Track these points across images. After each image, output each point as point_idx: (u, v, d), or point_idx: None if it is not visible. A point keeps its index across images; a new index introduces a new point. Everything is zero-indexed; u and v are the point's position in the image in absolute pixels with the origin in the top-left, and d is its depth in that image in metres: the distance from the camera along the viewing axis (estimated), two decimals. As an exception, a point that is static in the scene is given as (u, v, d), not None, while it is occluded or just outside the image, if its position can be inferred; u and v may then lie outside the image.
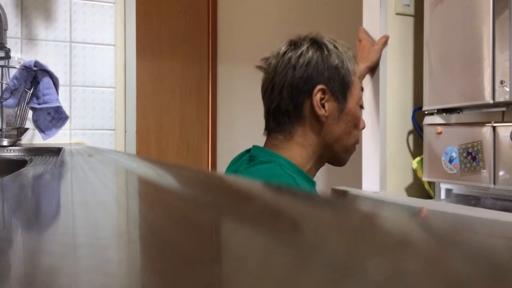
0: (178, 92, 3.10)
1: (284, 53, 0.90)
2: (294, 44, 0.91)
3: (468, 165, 1.46)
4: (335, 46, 0.91)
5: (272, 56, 0.92)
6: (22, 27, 1.60)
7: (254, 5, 3.20)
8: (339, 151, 0.93)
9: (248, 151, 0.94)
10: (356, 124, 0.94)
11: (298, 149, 0.90)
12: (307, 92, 0.88)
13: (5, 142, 1.38)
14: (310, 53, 0.89)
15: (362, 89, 0.96)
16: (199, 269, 0.14)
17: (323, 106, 0.88)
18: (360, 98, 0.94)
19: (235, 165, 0.94)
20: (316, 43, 0.90)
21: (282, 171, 0.82)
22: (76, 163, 0.65)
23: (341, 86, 0.90)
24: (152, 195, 0.34)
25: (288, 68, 0.89)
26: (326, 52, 0.89)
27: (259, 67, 0.95)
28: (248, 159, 0.90)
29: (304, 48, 0.89)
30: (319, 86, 0.87)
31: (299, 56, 0.89)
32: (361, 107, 0.95)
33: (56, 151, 1.08)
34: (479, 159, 1.43)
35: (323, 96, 0.88)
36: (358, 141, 0.97)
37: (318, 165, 0.94)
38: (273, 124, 0.92)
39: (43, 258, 0.16)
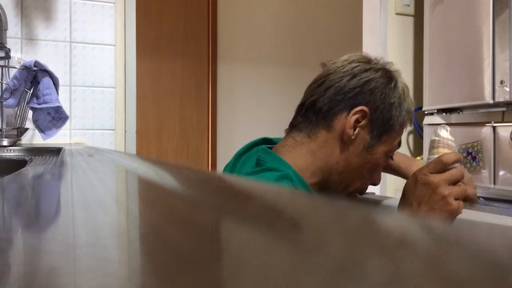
0: (178, 92, 3.10)
1: (353, 61, 0.85)
2: (367, 59, 0.86)
3: (468, 165, 1.46)
4: (403, 90, 0.85)
5: (340, 60, 0.87)
6: (22, 27, 1.60)
7: (254, 5, 3.20)
8: (340, 185, 0.85)
9: (255, 144, 0.88)
10: (373, 172, 0.85)
11: (307, 158, 0.83)
12: (349, 105, 0.81)
13: (5, 142, 1.38)
14: (377, 75, 0.83)
15: (399, 145, 0.88)
16: (199, 269, 0.14)
17: (355, 129, 0.81)
18: (392, 151, 0.87)
19: (239, 160, 0.87)
20: (389, 73, 0.85)
21: (291, 185, 0.77)
22: (76, 163, 0.65)
23: (383, 124, 0.82)
24: (152, 195, 0.34)
25: (347, 74, 0.83)
26: (392, 85, 0.83)
27: (323, 64, 0.88)
28: (255, 161, 0.83)
29: (375, 67, 0.84)
30: (364, 108, 0.81)
31: (365, 70, 0.83)
32: (390, 157, 0.88)
33: (56, 151, 1.08)
34: (479, 159, 1.43)
35: (360, 120, 0.81)
36: (362, 190, 0.89)
37: (318, 187, 0.86)
38: (300, 119, 0.85)
39: (43, 258, 0.16)
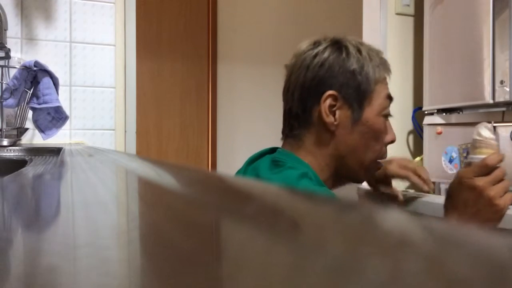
0: (178, 92, 3.10)
1: (302, 52, 0.84)
2: (313, 44, 0.84)
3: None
4: (358, 50, 0.83)
5: (294, 54, 0.86)
6: (22, 27, 1.60)
7: (254, 5, 3.20)
8: (353, 166, 0.85)
9: (266, 153, 0.89)
10: (377, 137, 0.84)
11: (309, 159, 0.83)
12: (317, 97, 0.81)
13: (5, 142, 1.38)
14: (326, 53, 0.82)
15: (390, 98, 0.86)
16: (199, 269, 0.14)
17: (334, 114, 0.81)
18: (384, 108, 0.85)
19: (251, 166, 0.88)
20: (336, 44, 0.83)
21: (311, 183, 0.78)
22: (76, 163, 0.65)
23: (356, 94, 0.81)
24: (152, 195, 0.34)
25: (302, 68, 0.83)
26: (344, 55, 0.82)
27: (286, 65, 0.89)
28: (270, 163, 0.84)
29: (321, 47, 0.83)
30: (330, 92, 0.80)
31: (314, 56, 0.82)
32: (386, 116, 0.86)
33: (56, 151, 1.08)
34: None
35: (334, 103, 0.81)
36: (381, 156, 0.87)
37: (333, 180, 0.87)
38: (287, 129, 0.87)
39: (43, 258, 0.16)
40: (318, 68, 0.81)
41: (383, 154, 0.87)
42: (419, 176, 0.97)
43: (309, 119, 0.83)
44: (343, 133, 0.82)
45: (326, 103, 0.81)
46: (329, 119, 0.81)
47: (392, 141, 0.88)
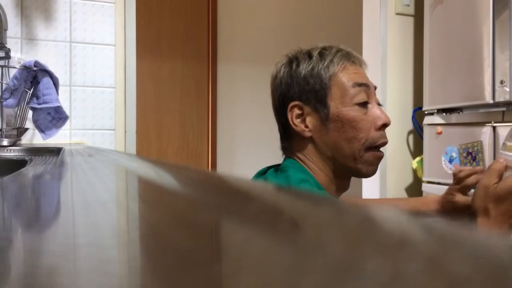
0: (178, 92, 3.10)
1: (271, 76, 0.91)
2: (275, 66, 0.91)
3: (468, 165, 1.46)
4: (309, 55, 0.85)
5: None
6: (22, 27, 1.60)
7: (254, 5, 3.20)
8: (346, 162, 0.84)
9: (273, 166, 0.92)
10: (355, 127, 0.82)
11: (305, 169, 0.85)
12: (285, 112, 0.86)
13: (5, 142, 1.38)
14: (281, 72, 0.87)
15: (360, 85, 0.84)
16: (199, 269, 0.14)
17: (305, 121, 0.84)
18: (353, 96, 0.83)
19: (262, 176, 0.90)
20: (288, 59, 0.88)
21: (312, 188, 0.80)
22: (76, 163, 0.65)
23: (315, 95, 0.83)
24: (152, 195, 0.34)
25: (271, 92, 0.91)
26: (294, 66, 0.86)
27: None
28: (275, 170, 0.88)
29: (278, 67, 0.89)
30: (291, 103, 0.85)
31: (275, 78, 0.89)
32: (362, 104, 0.83)
33: (56, 151, 1.08)
34: (479, 159, 1.43)
35: (300, 112, 0.84)
36: (372, 142, 0.83)
37: (336, 184, 0.87)
38: (281, 147, 0.92)
39: (43, 258, 0.16)
40: (278, 87, 0.88)
41: (376, 140, 0.84)
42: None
43: (288, 133, 0.88)
44: (319, 136, 0.84)
45: (292, 114, 0.85)
46: (299, 127, 0.85)
47: (385, 124, 0.85)
